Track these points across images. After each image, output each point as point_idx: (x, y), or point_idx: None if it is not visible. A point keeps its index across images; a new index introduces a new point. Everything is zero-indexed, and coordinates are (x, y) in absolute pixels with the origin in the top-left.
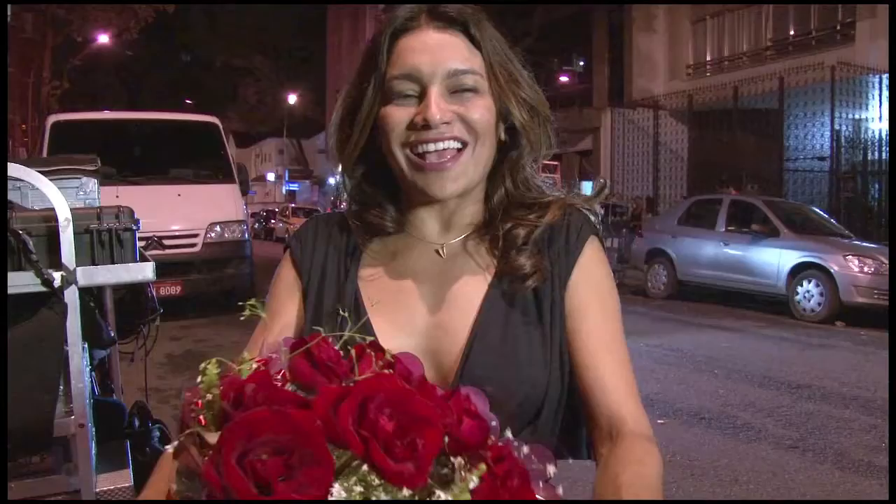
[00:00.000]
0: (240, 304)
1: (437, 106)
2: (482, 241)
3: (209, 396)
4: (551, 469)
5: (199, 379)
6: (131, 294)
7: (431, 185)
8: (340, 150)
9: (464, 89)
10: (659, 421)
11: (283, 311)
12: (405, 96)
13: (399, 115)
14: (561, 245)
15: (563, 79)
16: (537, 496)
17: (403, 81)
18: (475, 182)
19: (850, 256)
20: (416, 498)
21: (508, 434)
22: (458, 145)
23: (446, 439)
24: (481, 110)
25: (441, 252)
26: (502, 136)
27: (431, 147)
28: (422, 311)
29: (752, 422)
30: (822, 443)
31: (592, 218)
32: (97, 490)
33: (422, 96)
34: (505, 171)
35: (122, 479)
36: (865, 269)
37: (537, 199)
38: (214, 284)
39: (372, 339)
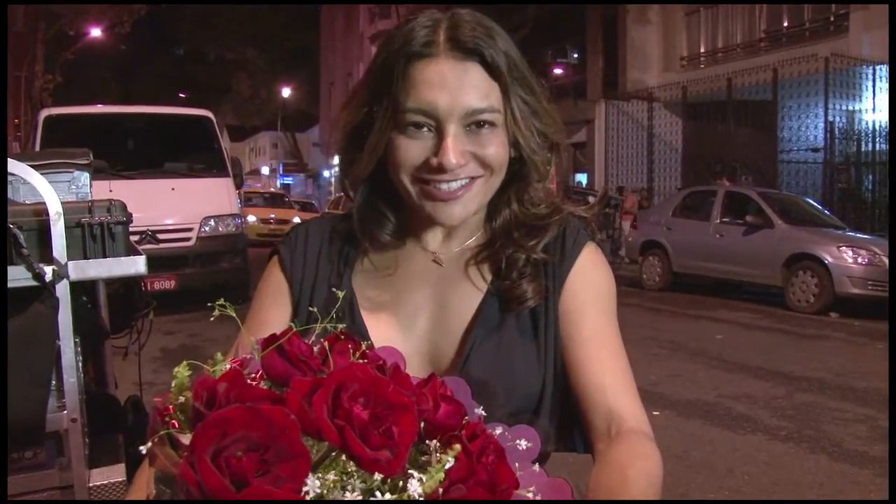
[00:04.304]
0: (209, 304)
1: (454, 150)
2: (482, 254)
3: (181, 399)
4: (525, 443)
5: (172, 384)
6: (124, 288)
7: (439, 213)
8: (346, 173)
9: (479, 126)
10: (654, 413)
11: (268, 319)
12: (418, 127)
13: (412, 150)
14: (557, 253)
15: (557, 71)
16: (516, 474)
17: (419, 115)
18: (483, 206)
19: (844, 247)
20: (390, 483)
21: (498, 430)
22: (469, 180)
23: (422, 425)
24: (496, 146)
25: (440, 261)
26: (512, 153)
27: (444, 186)
28: (420, 314)
29: (747, 413)
30: (817, 434)
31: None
32: (90, 485)
33: (437, 131)
34: (511, 192)
35: (115, 474)
36: (859, 260)
37: (540, 220)
38: (209, 278)
39: (343, 326)
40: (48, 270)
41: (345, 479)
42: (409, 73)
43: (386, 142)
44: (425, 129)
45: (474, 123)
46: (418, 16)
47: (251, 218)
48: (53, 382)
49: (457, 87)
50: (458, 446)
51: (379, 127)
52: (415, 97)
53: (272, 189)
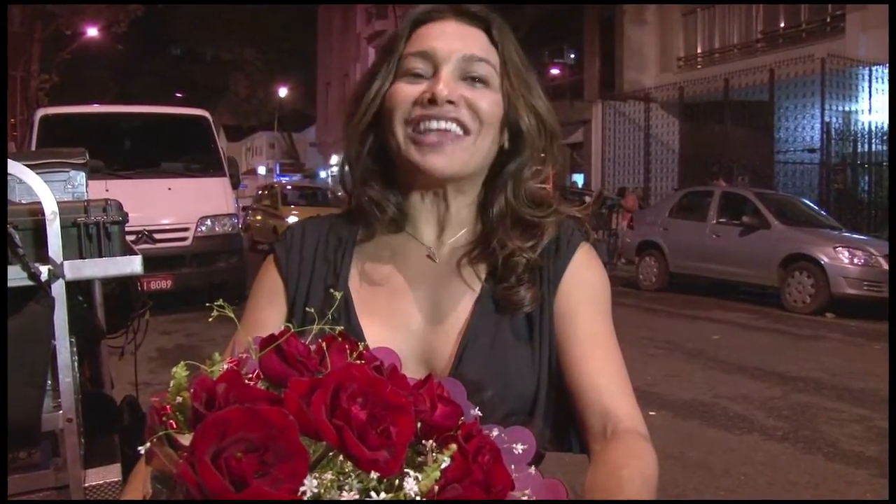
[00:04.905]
0: (206, 304)
1: (447, 84)
2: (477, 251)
3: (179, 399)
4: (521, 446)
5: (170, 383)
6: (120, 288)
7: (426, 160)
8: (346, 126)
9: (475, 77)
10: (650, 413)
11: (263, 319)
12: (416, 75)
13: (407, 91)
14: (552, 253)
15: (554, 71)
16: (512, 474)
17: (417, 59)
18: (471, 169)
19: (840, 248)
20: (386, 482)
21: (495, 431)
22: (461, 131)
23: (419, 425)
24: (489, 102)
25: (434, 256)
26: (506, 144)
27: (433, 125)
28: (414, 314)
29: (743, 413)
30: (813, 434)
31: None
32: (86, 485)
33: (433, 75)
34: (507, 178)
35: (111, 474)
36: (855, 260)
37: (537, 220)
38: (205, 278)
39: (341, 328)
40: (44, 270)
41: (342, 478)
42: (413, 33)
43: (385, 92)
44: (423, 75)
45: (470, 74)
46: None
47: (292, 220)
48: (49, 382)
49: (458, 36)
50: (453, 446)
51: (381, 77)
52: (415, 45)
53: (314, 184)
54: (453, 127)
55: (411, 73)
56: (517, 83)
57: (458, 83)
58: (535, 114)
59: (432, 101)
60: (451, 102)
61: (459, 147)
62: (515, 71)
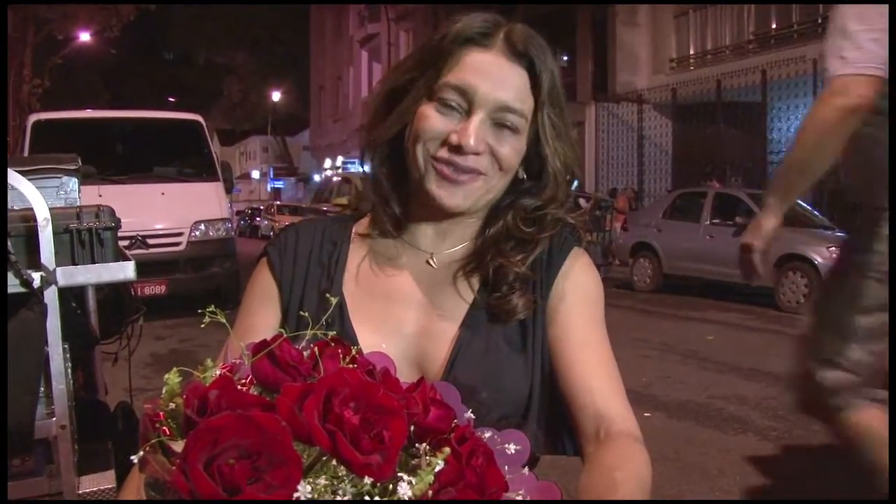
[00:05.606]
0: (199, 311)
1: (476, 134)
2: (472, 263)
3: (172, 406)
4: (515, 447)
5: (163, 390)
6: (114, 293)
7: (442, 193)
8: (371, 128)
9: (504, 125)
10: (645, 414)
11: (256, 323)
12: (449, 106)
13: (437, 123)
14: (544, 258)
15: None
16: (505, 477)
17: (454, 92)
18: (483, 204)
19: (833, 248)
20: (380, 487)
21: (488, 434)
22: (474, 173)
23: (412, 429)
24: (511, 149)
25: (431, 262)
26: (521, 174)
27: (453, 171)
28: (408, 318)
29: (738, 414)
30: (808, 433)
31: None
32: (80, 492)
33: (466, 114)
34: (510, 207)
35: (105, 481)
36: None
37: (532, 237)
38: (199, 283)
39: (333, 333)
40: (36, 277)
41: (335, 482)
42: (460, 54)
43: (416, 110)
44: (456, 109)
45: (500, 122)
46: (480, 13)
47: None
48: (42, 389)
49: (499, 80)
50: (447, 449)
51: (415, 94)
52: (457, 76)
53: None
54: (472, 175)
55: (445, 103)
56: (548, 127)
57: (487, 129)
58: (561, 161)
59: (458, 147)
60: (475, 154)
61: (475, 185)
62: (549, 114)
